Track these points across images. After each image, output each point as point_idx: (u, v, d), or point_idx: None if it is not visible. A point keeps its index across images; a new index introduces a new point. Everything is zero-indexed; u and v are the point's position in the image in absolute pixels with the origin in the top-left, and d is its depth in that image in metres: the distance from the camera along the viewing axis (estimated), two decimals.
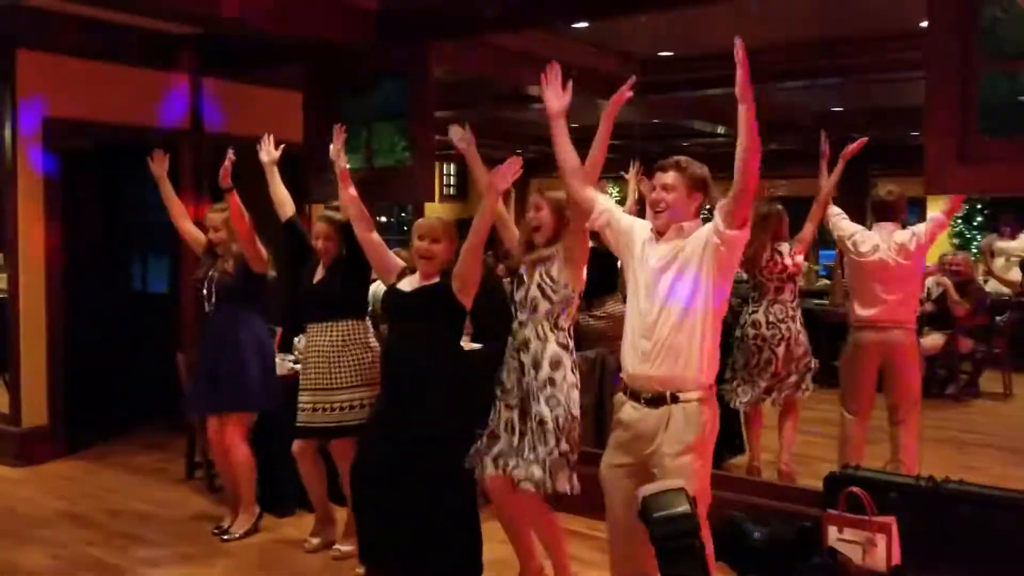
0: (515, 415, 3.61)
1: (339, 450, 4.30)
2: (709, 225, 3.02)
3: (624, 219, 3.26)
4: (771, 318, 5.14)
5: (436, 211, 11.18)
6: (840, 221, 4.97)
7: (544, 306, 3.56)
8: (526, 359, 3.58)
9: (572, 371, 3.58)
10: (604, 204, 3.30)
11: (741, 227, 2.96)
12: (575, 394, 3.57)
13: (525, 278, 3.64)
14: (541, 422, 3.51)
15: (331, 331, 4.30)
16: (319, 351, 4.30)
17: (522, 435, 3.57)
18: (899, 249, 4.73)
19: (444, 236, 3.80)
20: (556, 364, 3.55)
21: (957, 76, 3.51)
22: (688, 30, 6.29)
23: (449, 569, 3.76)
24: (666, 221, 3.09)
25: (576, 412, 3.55)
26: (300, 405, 4.33)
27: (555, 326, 3.58)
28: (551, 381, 3.53)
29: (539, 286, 3.57)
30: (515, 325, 3.66)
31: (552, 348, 3.56)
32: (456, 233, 3.86)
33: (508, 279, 3.78)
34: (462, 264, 3.67)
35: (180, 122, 6.68)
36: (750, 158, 2.85)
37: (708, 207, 3.20)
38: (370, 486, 3.81)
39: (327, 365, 4.28)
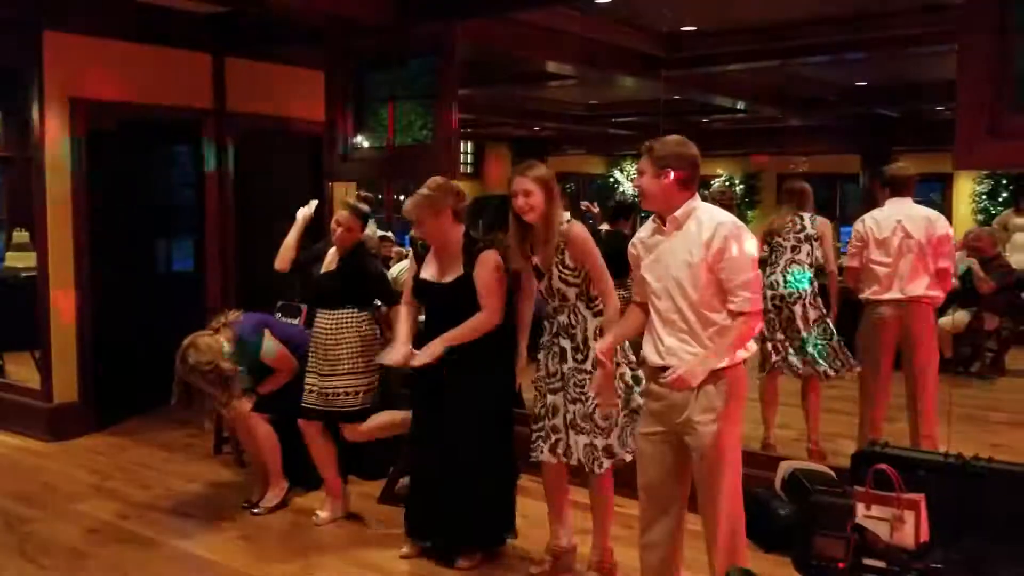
0: (559, 398, 3.71)
1: (347, 431, 4.49)
2: (717, 241, 2.99)
3: (635, 261, 3.27)
4: (788, 278, 5.16)
5: None
6: (855, 238, 4.86)
7: (572, 292, 3.68)
8: (566, 344, 3.67)
9: None
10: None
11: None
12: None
13: (542, 270, 3.73)
14: (584, 406, 3.63)
15: (331, 319, 4.43)
16: (321, 338, 4.44)
17: (570, 415, 3.67)
18: (924, 225, 4.68)
19: (427, 215, 3.88)
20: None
21: (990, 50, 3.46)
22: (713, 4, 6.23)
23: (487, 523, 4.03)
24: (648, 204, 3.14)
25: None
26: (304, 386, 4.50)
27: (588, 302, 3.68)
28: None
29: (560, 278, 3.67)
30: (549, 310, 3.76)
31: (593, 323, 3.66)
32: (449, 195, 3.91)
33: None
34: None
35: (203, 101, 6.71)
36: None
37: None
38: (424, 453, 4.08)
39: (324, 352, 4.42)
